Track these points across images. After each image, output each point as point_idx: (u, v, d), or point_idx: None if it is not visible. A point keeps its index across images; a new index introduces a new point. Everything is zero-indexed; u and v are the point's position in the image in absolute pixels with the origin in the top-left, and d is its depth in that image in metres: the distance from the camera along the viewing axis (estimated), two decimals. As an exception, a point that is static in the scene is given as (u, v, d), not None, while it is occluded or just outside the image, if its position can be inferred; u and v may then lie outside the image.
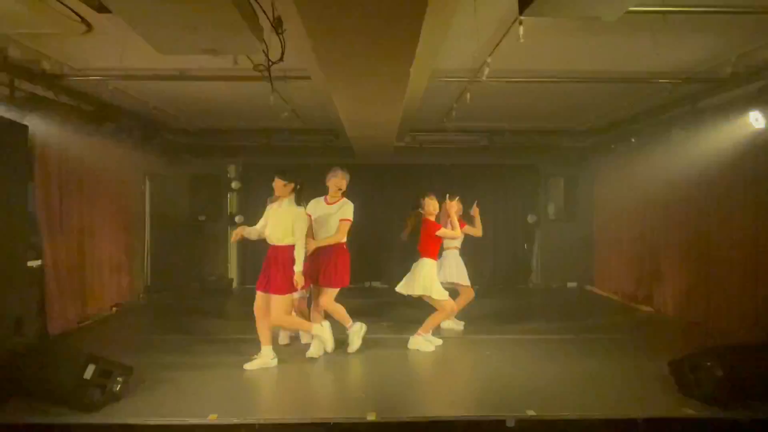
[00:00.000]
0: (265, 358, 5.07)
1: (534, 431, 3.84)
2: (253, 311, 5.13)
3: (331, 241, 5.41)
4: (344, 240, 5.53)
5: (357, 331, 5.55)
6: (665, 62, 5.50)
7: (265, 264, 5.11)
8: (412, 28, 3.25)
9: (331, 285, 5.46)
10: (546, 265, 10.35)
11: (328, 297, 5.48)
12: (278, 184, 5.10)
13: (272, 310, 5.00)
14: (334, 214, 5.48)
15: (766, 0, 3.96)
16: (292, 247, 4.99)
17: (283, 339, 5.93)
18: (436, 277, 5.76)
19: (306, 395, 4.47)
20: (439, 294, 5.70)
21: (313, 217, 5.50)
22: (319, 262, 5.39)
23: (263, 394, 4.56)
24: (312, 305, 5.66)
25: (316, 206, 5.56)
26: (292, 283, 4.95)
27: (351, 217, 5.51)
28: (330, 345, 5.37)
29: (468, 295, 6.67)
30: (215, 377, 4.94)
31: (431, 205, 5.80)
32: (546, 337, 6.26)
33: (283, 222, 5.04)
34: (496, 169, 10.16)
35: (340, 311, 5.55)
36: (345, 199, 5.59)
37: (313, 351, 5.35)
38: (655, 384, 4.54)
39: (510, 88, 6.49)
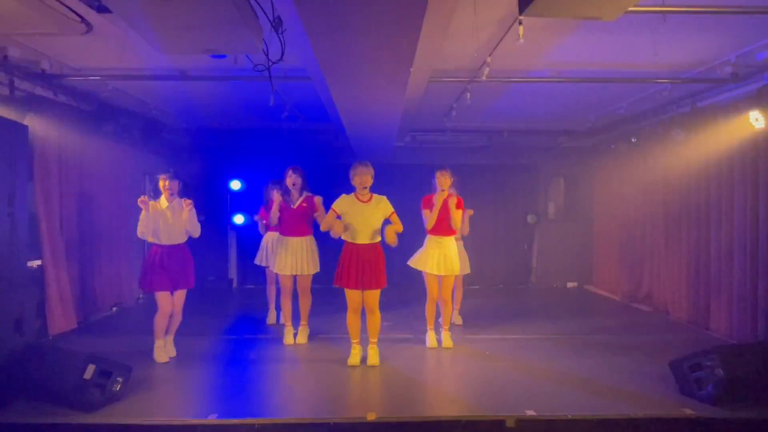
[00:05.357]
0: None
1: (534, 431, 3.84)
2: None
3: None
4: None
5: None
6: (665, 62, 5.50)
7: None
8: (412, 28, 3.25)
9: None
10: (546, 265, 10.33)
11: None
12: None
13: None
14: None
15: (766, 0, 3.96)
16: None
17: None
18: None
19: (306, 395, 4.47)
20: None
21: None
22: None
23: (263, 394, 4.56)
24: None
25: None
26: None
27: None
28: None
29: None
30: (215, 377, 4.95)
31: (439, 181, 5.70)
32: (546, 337, 6.25)
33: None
34: (496, 169, 10.15)
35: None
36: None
37: None
38: (655, 384, 4.55)
39: (510, 88, 6.50)
